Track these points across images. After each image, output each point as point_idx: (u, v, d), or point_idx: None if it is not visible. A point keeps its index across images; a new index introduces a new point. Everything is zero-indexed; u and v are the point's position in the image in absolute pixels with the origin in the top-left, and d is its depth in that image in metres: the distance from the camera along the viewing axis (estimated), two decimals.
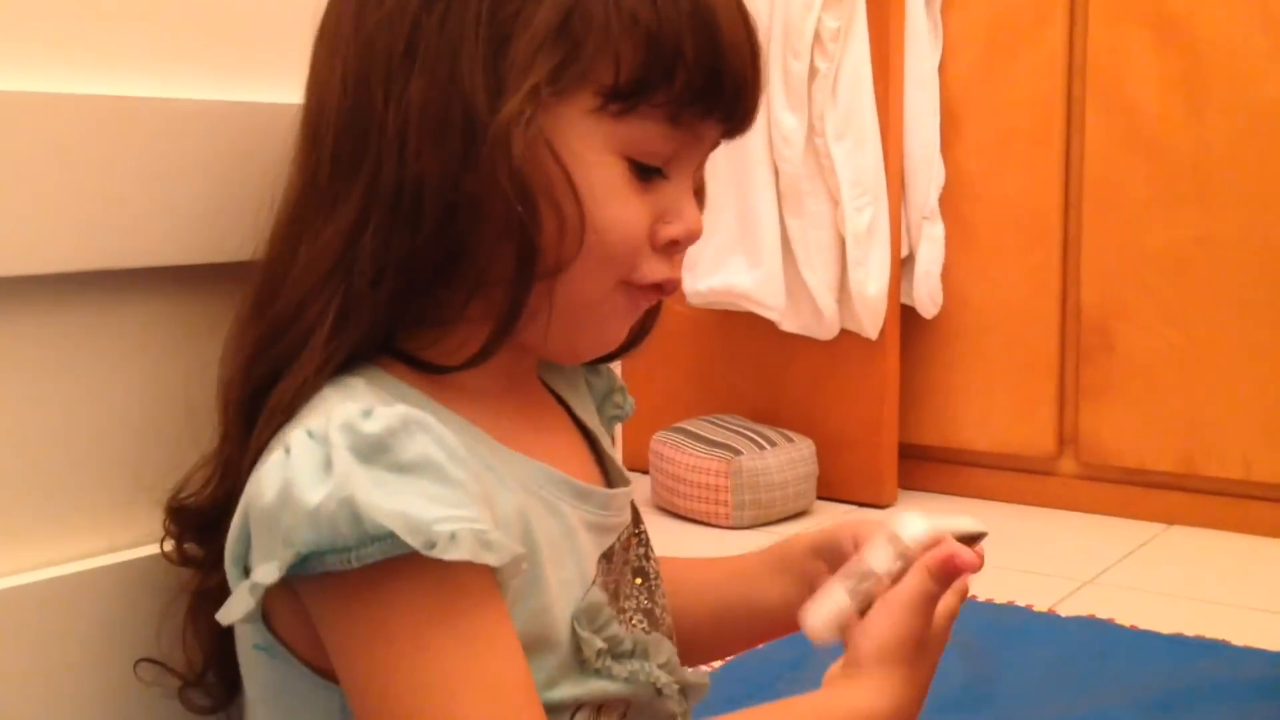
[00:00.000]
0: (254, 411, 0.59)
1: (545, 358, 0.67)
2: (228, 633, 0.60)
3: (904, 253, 2.07)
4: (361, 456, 0.51)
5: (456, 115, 0.57)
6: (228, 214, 0.67)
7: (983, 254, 2.06)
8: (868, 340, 2.04)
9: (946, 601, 0.64)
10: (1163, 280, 1.91)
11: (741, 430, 2.05)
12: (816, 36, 1.94)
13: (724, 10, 0.59)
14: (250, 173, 0.67)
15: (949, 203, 2.07)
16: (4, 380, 0.61)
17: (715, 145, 0.63)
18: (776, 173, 2.01)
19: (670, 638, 0.67)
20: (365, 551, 0.51)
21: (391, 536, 0.50)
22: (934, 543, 0.64)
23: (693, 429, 2.08)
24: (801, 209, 2.01)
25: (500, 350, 0.59)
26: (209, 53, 0.69)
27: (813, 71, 1.95)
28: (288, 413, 0.57)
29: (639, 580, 0.67)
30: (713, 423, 2.09)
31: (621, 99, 0.58)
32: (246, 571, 0.54)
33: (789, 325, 2.07)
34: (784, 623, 0.71)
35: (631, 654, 0.61)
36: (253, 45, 0.71)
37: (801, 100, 1.96)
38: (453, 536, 0.50)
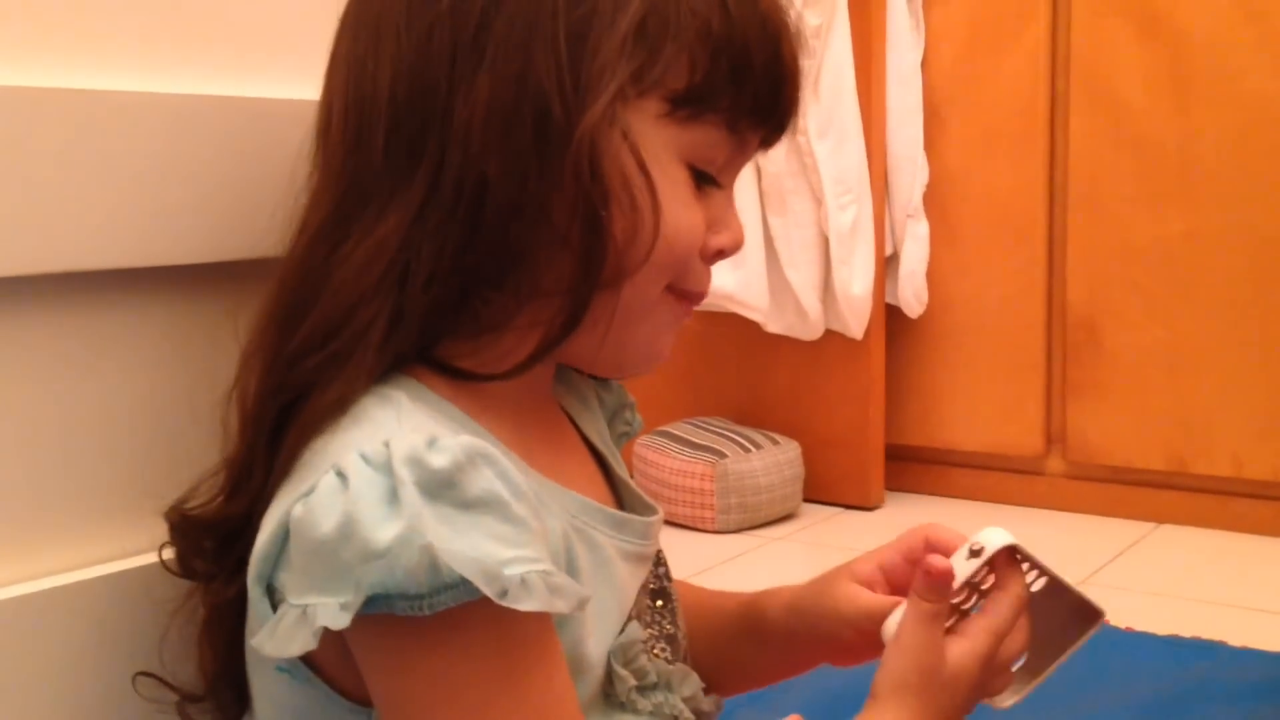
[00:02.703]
0: (283, 421, 0.55)
1: (590, 370, 0.66)
2: (241, 648, 0.58)
3: (888, 252, 2.05)
4: (428, 493, 0.49)
5: (528, 113, 0.54)
6: (230, 212, 0.65)
7: (968, 252, 2.04)
8: (853, 340, 2.02)
9: (975, 642, 0.61)
10: (1149, 277, 1.89)
11: (726, 433, 2.02)
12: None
13: (786, 27, 0.60)
14: (254, 170, 0.65)
15: (933, 201, 2.05)
16: (2, 382, 0.59)
17: (751, 157, 0.63)
18: (759, 172, 1.99)
19: (687, 661, 0.65)
20: (439, 599, 0.48)
21: (464, 583, 0.48)
22: (1010, 555, 0.62)
23: (676, 432, 2.05)
24: (784, 208, 1.98)
25: (544, 361, 0.58)
26: (209, 47, 0.67)
27: None
28: (321, 425, 0.54)
29: (660, 603, 0.65)
30: (697, 425, 2.06)
31: (690, 105, 0.57)
32: (270, 590, 0.52)
33: (773, 326, 2.04)
34: (792, 659, 0.70)
35: (656, 687, 0.60)
36: (256, 39, 0.69)
37: None
38: (523, 583, 0.49)
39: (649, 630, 0.62)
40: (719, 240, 0.61)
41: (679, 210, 0.58)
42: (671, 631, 0.65)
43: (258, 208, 0.63)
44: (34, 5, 0.60)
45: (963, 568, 0.61)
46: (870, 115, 1.99)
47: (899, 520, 1.98)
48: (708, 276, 0.62)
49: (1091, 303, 1.94)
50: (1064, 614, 0.67)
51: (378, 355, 0.55)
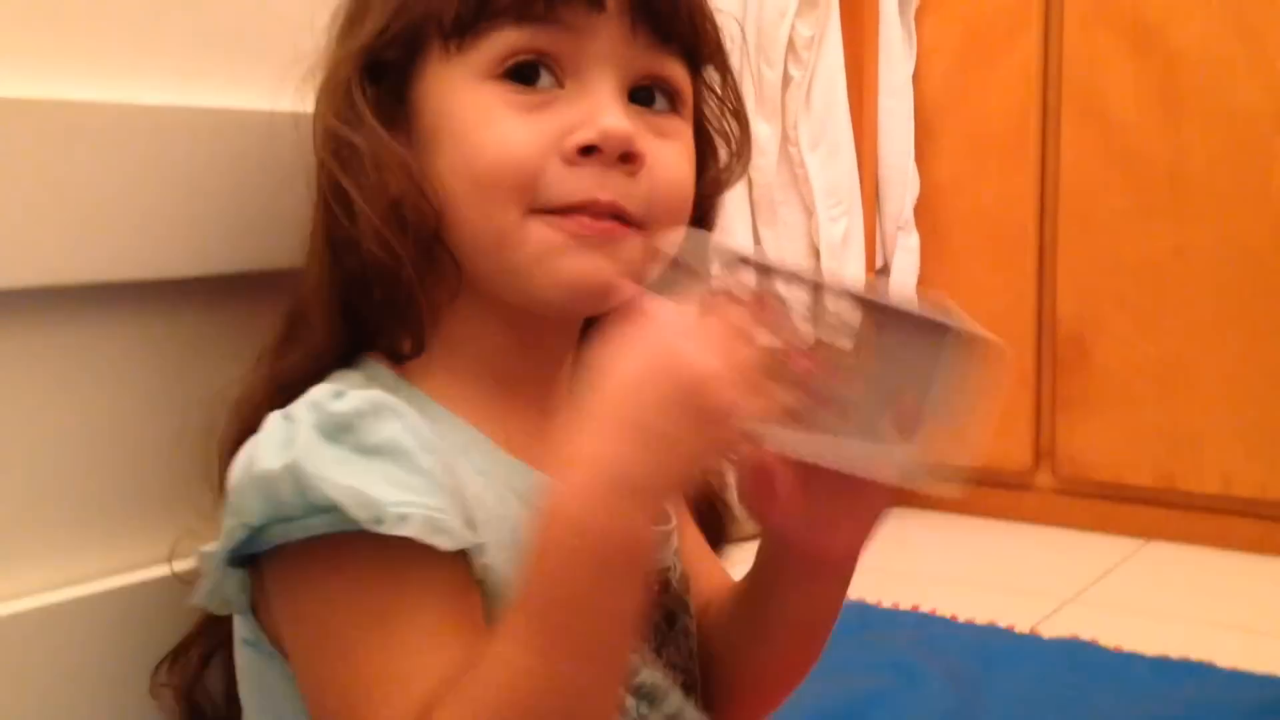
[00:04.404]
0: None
1: (523, 306, 0.59)
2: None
3: (879, 264, 2.04)
4: (326, 434, 0.50)
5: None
6: (220, 225, 0.65)
7: (958, 265, 2.03)
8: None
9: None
10: (1140, 292, 1.89)
11: None
12: (790, 44, 1.91)
13: None
14: (243, 183, 0.65)
15: (924, 213, 2.04)
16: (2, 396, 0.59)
17: (641, 44, 0.58)
18: (750, 183, 1.98)
19: (695, 690, 0.63)
20: (310, 523, 0.49)
21: (338, 509, 0.48)
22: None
23: None
24: (775, 219, 1.97)
25: (419, 331, 0.57)
26: (194, 55, 0.67)
27: (786, 79, 1.92)
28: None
29: (669, 626, 0.63)
30: None
31: (458, 34, 0.57)
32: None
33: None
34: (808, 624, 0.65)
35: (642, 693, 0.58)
36: (243, 48, 0.68)
37: (775, 109, 1.93)
38: (402, 517, 0.48)
39: (655, 663, 0.61)
40: (577, 137, 0.56)
41: (482, 129, 0.56)
42: (678, 661, 0.62)
43: (247, 221, 0.63)
44: (18, 14, 0.59)
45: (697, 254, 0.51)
46: (861, 127, 1.98)
47: (888, 533, 1.97)
48: (595, 184, 0.56)
49: (1081, 317, 1.94)
50: (911, 349, 0.54)
51: (330, 339, 0.58)
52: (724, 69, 0.65)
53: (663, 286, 0.52)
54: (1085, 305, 1.93)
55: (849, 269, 1.95)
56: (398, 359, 0.58)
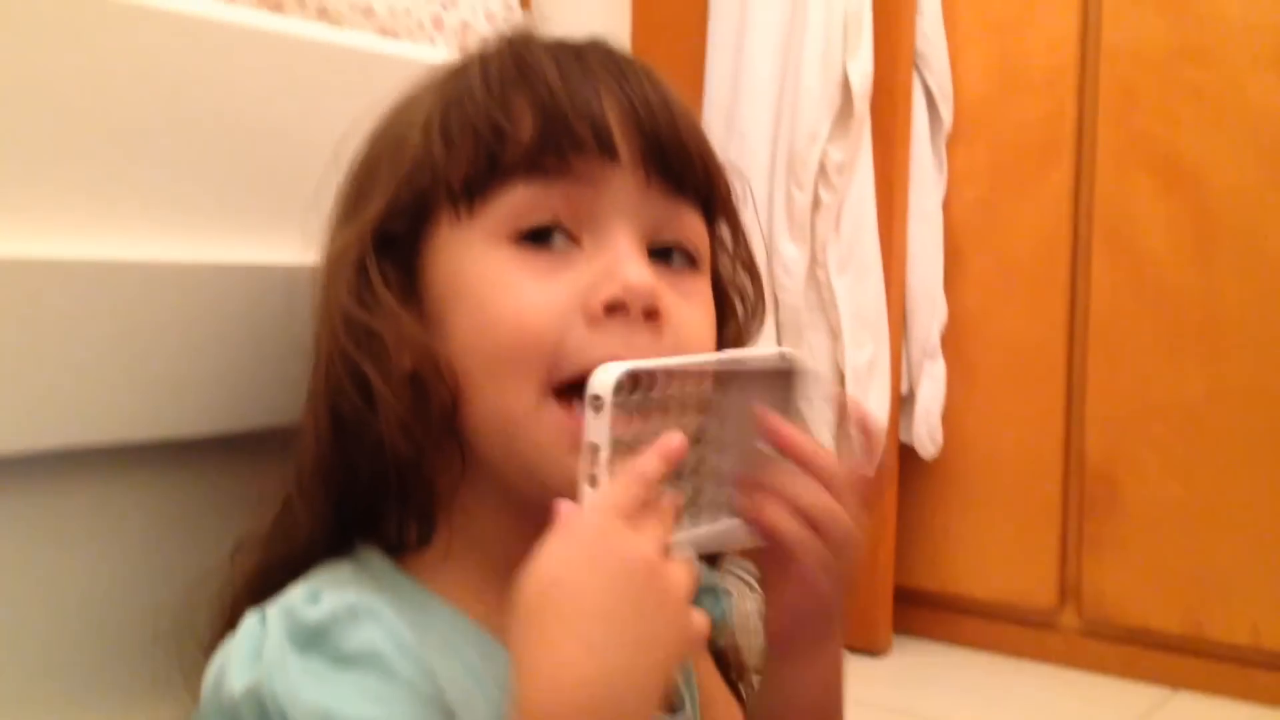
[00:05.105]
0: None
1: (530, 492, 0.57)
2: None
3: (904, 390, 2.02)
4: (298, 644, 0.47)
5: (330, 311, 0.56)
6: (228, 385, 0.63)
7: (985, 395, 2.00)
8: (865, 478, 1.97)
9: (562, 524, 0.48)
10: (1169, 432, 1.85)
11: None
12: (821, 168, 1.91)
13: (550, 64, 0.55)
14: (252, 341, 0.63)
15: (951, 341, 2.02)
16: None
17: (656, 195, 0.56)
18: (776, 303, 1.97)
19: None
20: None
21: None
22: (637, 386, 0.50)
23: None
24: (800, 341, 1.96)
25: (429, 521, 0.55)
26: (207, 212, 0.66)
27: (816, 203, 1.92)
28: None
29: None
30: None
31: (469, 196, 0.54)
32: None
33: None
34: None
35: None
36: (255, 204, 0.67)
37: (804, 231, 1.93)
38: None
39: None
40: (600, 294, 0.53)
41: (491, 300, 0.53)
42: None
43: (255, 380, 0.61)
44: (28, 172, 0.58)
45: (594, 428, 0.49)
46: (890, 252, 1.97)
47: (907, 669, 1.92)
48: (619, 341, 0.53)
49: (1110, 455, 1.90)
50: (757, 393, 0.56)
51: (322, 529, 0.55)
52: (735, 224, 0.63)
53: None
54: (1114, 442, 1.90)
55: (874, 395, 1.93)
56: (397, 548, 0.55)
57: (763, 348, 0.55)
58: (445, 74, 0.60)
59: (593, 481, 0.48)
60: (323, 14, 0.80)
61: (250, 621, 0.49)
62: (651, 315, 0.54)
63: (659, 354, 0.54)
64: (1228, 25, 1.78)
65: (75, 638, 0.60)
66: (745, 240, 0.64)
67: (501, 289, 0.53)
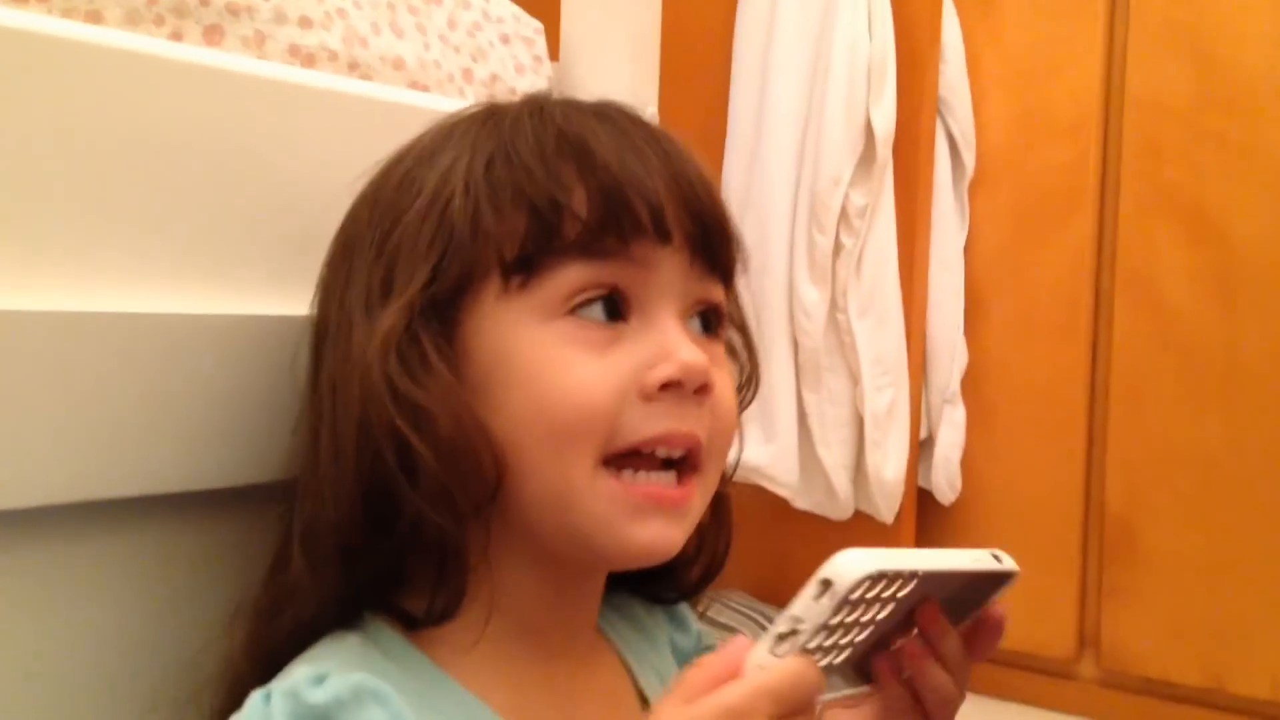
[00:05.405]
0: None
1: (576, 560, 0.58)
2: None
3: (923, 435, 2.01)
4: None
5: (351, 368, 0.55)
6: (229, 438, 0.63)
7: (1004, 442, 2.00)
8: (882, 524, 1.97)
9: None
10: (1190, 482, 1.84)
11: (747, 611, 1.96)
12: (843, 212, 1.92)
13: (596, 135, 0.55)
14: (250, 395, 0.63)
15: (971, 387, 2.02)
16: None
17: (697, 274, 0.57)
18: (795, 345, 1.97)
19: None
20: None
21: None
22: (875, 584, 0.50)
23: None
24: (820, 384, 1.96)
25: (459, 595, 0.53)
26: (200, 265, 0.66)
27: (838, 247, 1.93)
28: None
29: None
30: (717, 600, 2.01)
31: (523, 270, 0.54)
32: None
33: (801, 503, 2.00)
34: None
35: None
36: (248, 257, 0.67)
37: (825, 275, 1.93)
38: None
39: None
40: (658, 374, 0.54)
41: (549, 377, 0.53)
42: None
43: (252, 433, 0.61)
44: (31, 226, 0.59)
45: (811, 608, 0.49)
46: (911, 297, 1.97)
47: None
48: (673, 418, 0.54)
49: (1130, 503, 1.89)
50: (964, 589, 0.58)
51: (333, 599, 0.54)
52: (735, 288, 0.65)
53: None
54: (1135, 491, 1.89)
55: (893, 440, 1.93)
56: (416, 622, 0.55)
57: (978, 551, 0.57)
58: (471, 126, 0.59)
59: (776, 648, 0.49)
60: (354, 67, 0.81)
61: (255, 701, 0.49)
62: (703, 390, 0.56)
63: (705, 425, 0.56)
64: (1252, 75, 1.79)
65: (80, 697, 0.59)
66: (737, 298, 0.65)
67: (560, 367, 0.54)
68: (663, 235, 0.56)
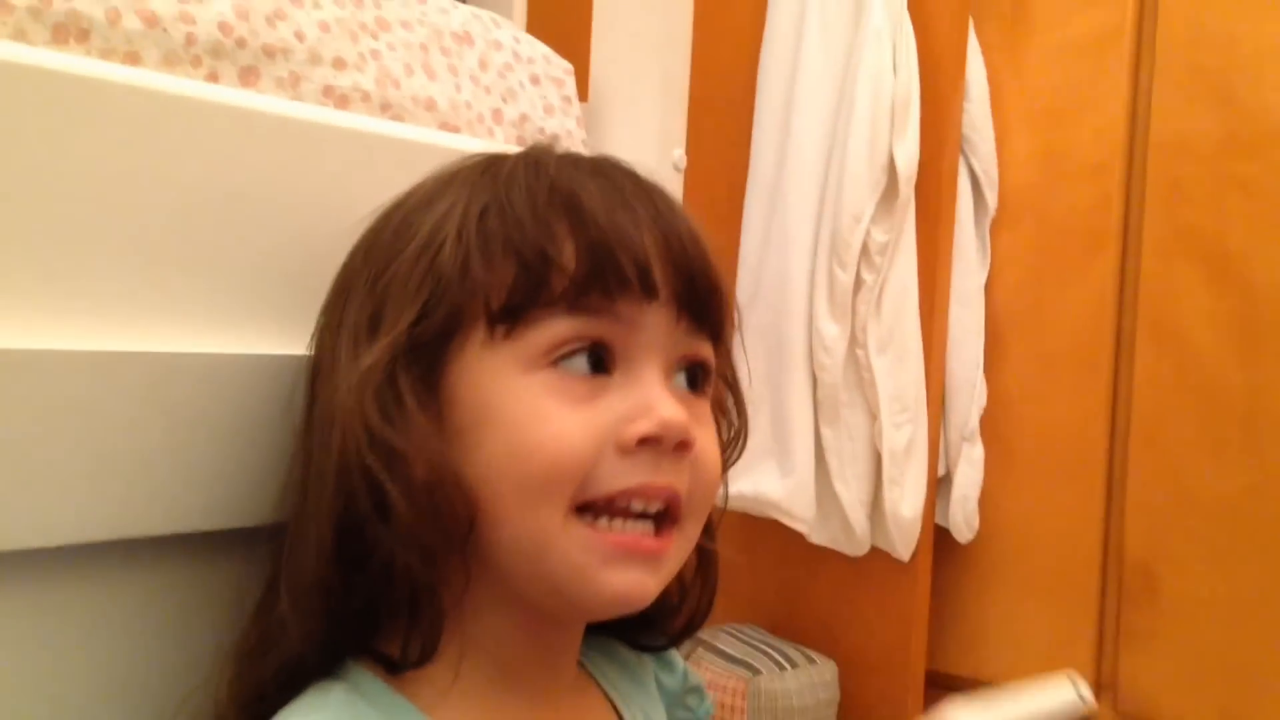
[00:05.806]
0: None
1: (552, 609, 0.58)
2: None
3: (941, 472, 2.01)
4: None
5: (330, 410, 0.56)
6: (224, 479, 0.63)
7: (1023, 481, 1.99)
8: (898, 561, 1.96)
9: None
10: (1210, 527, 1.83)
11: (761, 646, 1.95)
12: (864, 248, 1.92)
13: (588, 190, 0.56)
14: (245, 436, 0.63)
15: (990, 425, 2.01)
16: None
17: (683, 330, 0.58)
18: (815, 381, 1.97)
19: None
20: None
21: None
22: None
23: (710, 639, 1.98)
24: (838, 419, 1.96)
25: (435, 636, 0.54)
26: (194, 305, 0.66)
27: (858, 283, 1.93)
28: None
29: None
30: (731, 634, 2.00)
31: (508, 320, 0.55)
32: None
33: (817, 537, 1.99)
34: None
35: None
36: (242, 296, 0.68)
37: (845, 310, 1.93)
38: None
39: None
40: (637, 429, 0.55)
41: (527, 428, 0.53)
42: None
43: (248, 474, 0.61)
44: (33, 265, 0.59)
45: None
46: (931, 334, 1.97)
47: None
48: (648, 469, 0.55)
49: (1150, 547, 1.88)
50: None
51: (315, 645, 0.54)
52: (727, 346, 0.64)
53: None
54: (1154, 535, 1.88)
55: (911, 477, 1.92)
56: (395, 666, 0.55)
57: (1060, 681, 0.61)
58: (470, 173, 0.60)
59: None
60: (386, 108, 0.81)
61: None
62: (682, 447, 0.56)
63: (684, 480, 0.56)
64: (1276, 120, 1.79)
65: None
66: (729, 355, 0.65)
67: (539, 418, 0.54)
68: (649, 291, 0.56)
